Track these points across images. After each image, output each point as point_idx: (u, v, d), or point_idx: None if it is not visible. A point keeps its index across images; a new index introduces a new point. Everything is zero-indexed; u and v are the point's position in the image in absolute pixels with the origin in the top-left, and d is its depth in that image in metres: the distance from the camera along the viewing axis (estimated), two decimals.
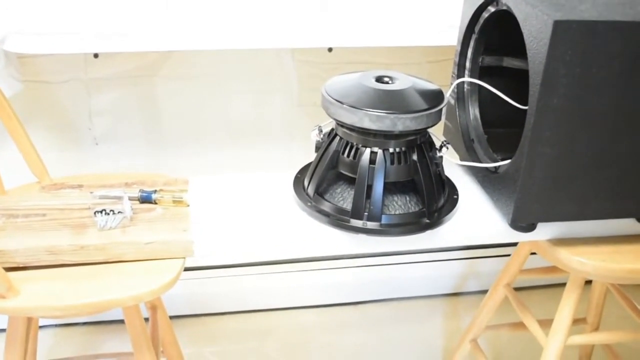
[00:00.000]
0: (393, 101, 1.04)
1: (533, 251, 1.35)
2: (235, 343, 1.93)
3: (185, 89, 1.71)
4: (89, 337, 1.90)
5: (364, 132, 1.05)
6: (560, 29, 0.93)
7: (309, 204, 1.13)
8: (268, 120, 1.80)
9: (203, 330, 1.96)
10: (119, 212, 1.08)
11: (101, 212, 1.08)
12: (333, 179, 1.14)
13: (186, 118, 1.75)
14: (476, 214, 1.16)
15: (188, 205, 1.13)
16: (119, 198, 1.12)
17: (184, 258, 1.05)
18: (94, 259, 1.03)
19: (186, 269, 1.08)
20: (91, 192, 1.14)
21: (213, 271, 1.93)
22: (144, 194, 1.13)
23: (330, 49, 1.70)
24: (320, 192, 1.14)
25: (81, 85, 1.65)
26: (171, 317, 1.45)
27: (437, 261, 2.07)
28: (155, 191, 1.13)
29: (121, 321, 1.17)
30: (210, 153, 1.80)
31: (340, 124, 1.08)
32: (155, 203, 1.13)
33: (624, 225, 1.18)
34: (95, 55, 1.61)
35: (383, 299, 2.11)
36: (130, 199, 1.12)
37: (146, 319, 1.36)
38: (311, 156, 1.17)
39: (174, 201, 1.13)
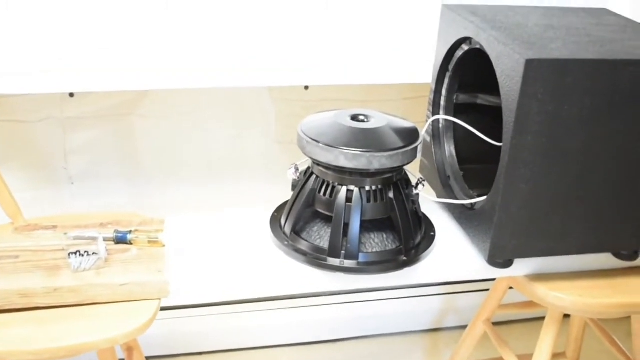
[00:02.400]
0: (368, 139, 1.05)
1: (511, 286, 1.35)
2: None
3: (163, 127, 1.71)
4: None
5: (340, 170, 1.06)
6: (532, 67, 0.94)
7: (286, 242, 1.12)
8: (246, 157, 1.80)
9: None
10: (93, 254, 1.07)
11: (75, 253, 1.07)
12: (310, 218, 1.14)
13: (163, 156, 1.74)
14: (453, 251, 1.16)
15: (164, 246, 1.12)
16: (94, 239, 1.11)
17: (160, 299, 1.04)
18: (67, 302, 1.01)
19: (163, 309, 1.06)
20: (65, 233, 1.13)
21: (190, 310, 1.91)
22: (119, 235, 1.12)
23: (306, 87, 1.71)
24: (297, 231, 1.13)
25: (57, 124, 1.64)
26: (147, 358, 1.43)
27: (416, 297, 2.06)
28: (130, 231, 1.12)
29: None
30: (188, 191, 1.79)
31: (317, 163, 1.08)
32: (131, 243, 1.12)
33: (601, 260, 1.19)
34: (71, 95, 1.61)
35: (362, 336, 2.09)
36: (105, 239, 1.11)
37: None
38: (289, 193, 1.16)
39: (150, 241, 1.12)
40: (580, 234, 1.10)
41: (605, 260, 1.19)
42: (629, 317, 1.39)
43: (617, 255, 1.18)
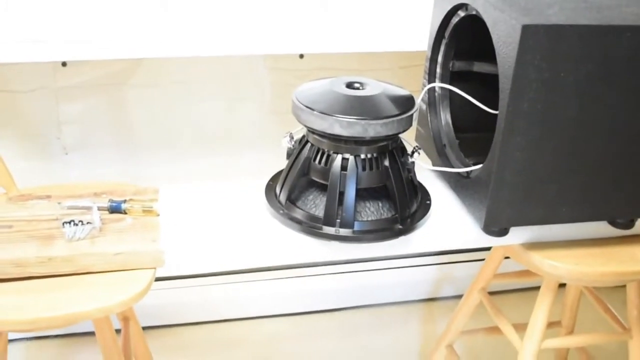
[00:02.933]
0: (364, 107, 1.04)
1: (507, 255, 1.35)
2: (207, 353, 1.91)
3: (156, 97, 1.70)
4: (61, 349, 1.87)
5: (335, 138, 1.05)
6: (529, 33, 0.93)
7: (281, 211, 1.12)
8: (240, 127, 1.79)
9: (175, 340, 1.94)
10: (87, 223, 1.06)
11: (69, 222, 1.06)
12: (305, 186, 1.13)
13: (157, 126, 1.73)
14: (449, 220, 1.16)
15: (158, 215, 1.12)
16: (88, 208, 1.10)
17: (155, 268, 1.04)
18: (61, 271, 1.01)
19: (158, 279, 1.06)
20: (59, 203, 1.12)
21: (185, 281, 1.91)
22: (114, 204, 1.11)
23: (301, 56, 1.70)
24: (292, 200, 1.13)
25: (50, 94, 1.63)
26: (144, 328, 1.43)
27: (412, 267, 2.07)
28: (124, 201, 1.12)
29: (94, 333, 1.15)
30: (182, 161, 1.78)
31: (311, 131, 1.07)
32: (125, 213, 1.11)
33: (596, 228, 1.19)
34: (64, 64, 1.59)
35: (358, 306, 2.10)
36: (100, 209, 1.10)
37: (118, 330, 1.34)
38: (284, 163, 1.16)
39: (144, 211, 1.11)
40: (576, 202, 1.10)
41: (601, 228, 1.19)
42: (624, 286, 1.39)
43: (613, 223, 1.18)
